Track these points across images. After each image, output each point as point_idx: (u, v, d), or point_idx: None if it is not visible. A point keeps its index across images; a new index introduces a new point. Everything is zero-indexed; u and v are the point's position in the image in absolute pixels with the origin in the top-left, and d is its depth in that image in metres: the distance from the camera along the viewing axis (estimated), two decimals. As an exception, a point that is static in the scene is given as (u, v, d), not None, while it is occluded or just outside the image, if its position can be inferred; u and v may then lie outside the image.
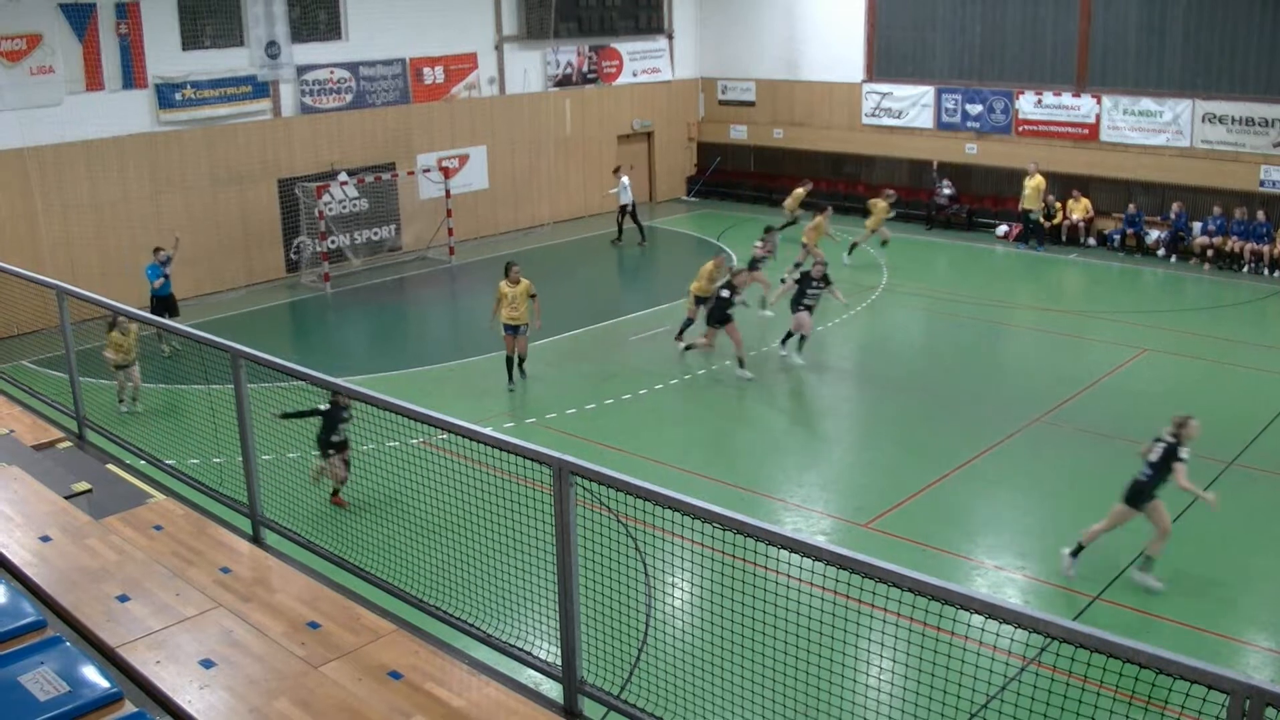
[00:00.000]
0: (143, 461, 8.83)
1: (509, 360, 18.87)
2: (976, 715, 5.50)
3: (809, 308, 19.99)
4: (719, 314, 19.63)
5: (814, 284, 19.99)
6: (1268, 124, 26.33)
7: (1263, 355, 20.36)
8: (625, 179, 30.08)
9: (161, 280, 20.69)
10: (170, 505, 7.23)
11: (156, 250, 21.07)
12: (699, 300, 20.57)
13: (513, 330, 18.53)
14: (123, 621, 5.59)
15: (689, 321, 20.80)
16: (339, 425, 13.61)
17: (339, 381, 6.56)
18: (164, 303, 20.76)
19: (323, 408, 13.38)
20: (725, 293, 19.58)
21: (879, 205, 27.41)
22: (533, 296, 18.43)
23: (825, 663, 5.88)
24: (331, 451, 13.77)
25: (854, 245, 27.46)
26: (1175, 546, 13.20)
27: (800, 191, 29.95)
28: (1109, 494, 14.67)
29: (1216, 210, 26.71)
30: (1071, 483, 15.31)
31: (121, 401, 17.38)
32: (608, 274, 28.98)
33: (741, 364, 19.48)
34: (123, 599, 5.80)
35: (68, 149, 23.08)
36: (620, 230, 30.52)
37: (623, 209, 30.15)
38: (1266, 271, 25.85)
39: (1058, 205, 29.06)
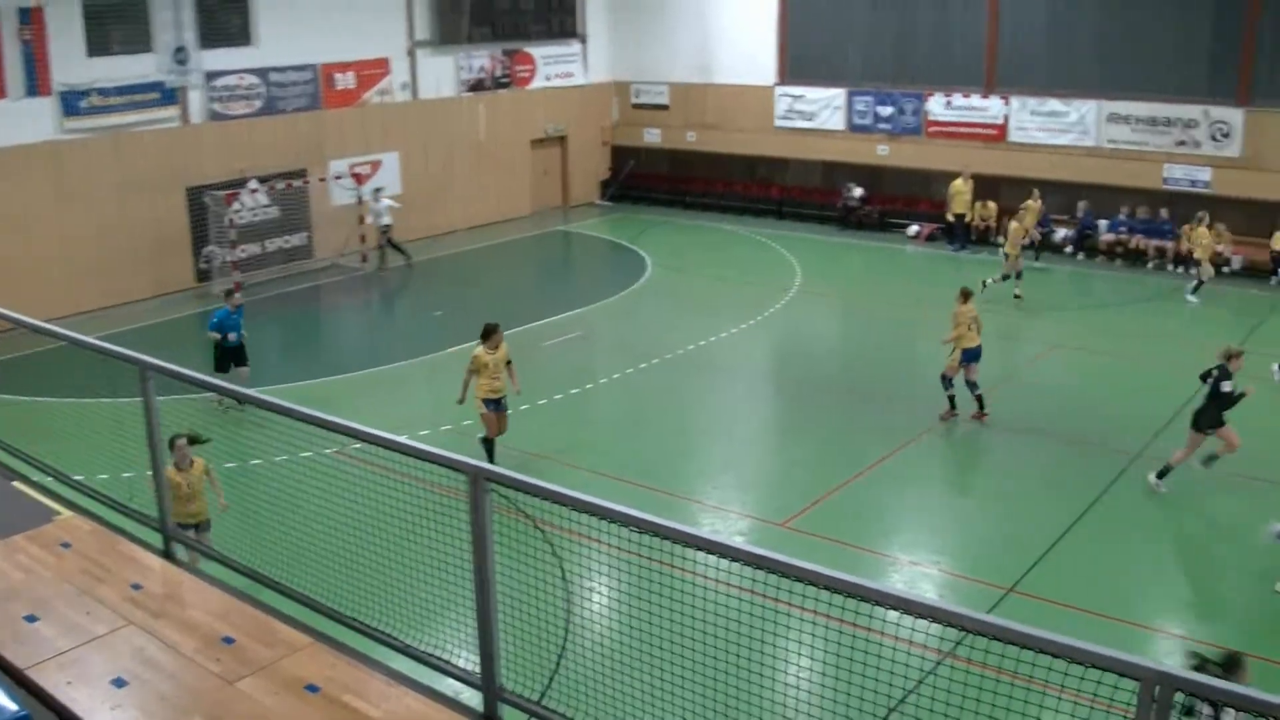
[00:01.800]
0: (49, 478, 8.63)
1: (488, 443, 15.59)
2: (894, 709, 5.56)
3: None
4: (1214, 415, 14.19)
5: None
6: (1170, 123, 26.99)
7: (1168, 348, 20.82)
8: (386, 201, 28.44)
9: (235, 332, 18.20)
10: (78, 522, 7.08)
11: (230, 294, 18.98)
12: (967, 356, 17.04)
13: (494, 405, 15.59)
14: (31, 642, 5.47)
15: (946, 381, 17.24)
16: None
17: (250, 393, 6.47)
18: (235, 354, 18.28)
19: None
20: (1227, 386, 14.02)
21: (1201, 234, 24.21)
22: (508, 363, 15.79)
23: (745, 662, 5.91)
24: None
25: (1199, 284, 24.12)
26: (1085, 538, 13.49)
27: (1034, 204, 26.48)
28: (1023, 487, 14.99)
29: (1124, 211, 27.33)
30: (985, 477, 15.57)
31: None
32: (520, 280, 28.78)
33: (1211, 460, 14.36)
34: (31, 619, 5.68)
35: (-33, 158, 22.50)
36: (399, 251, 28.67)
37: (383, 230, 28.57)
38: (1170, 267, 26.46)
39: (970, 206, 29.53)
